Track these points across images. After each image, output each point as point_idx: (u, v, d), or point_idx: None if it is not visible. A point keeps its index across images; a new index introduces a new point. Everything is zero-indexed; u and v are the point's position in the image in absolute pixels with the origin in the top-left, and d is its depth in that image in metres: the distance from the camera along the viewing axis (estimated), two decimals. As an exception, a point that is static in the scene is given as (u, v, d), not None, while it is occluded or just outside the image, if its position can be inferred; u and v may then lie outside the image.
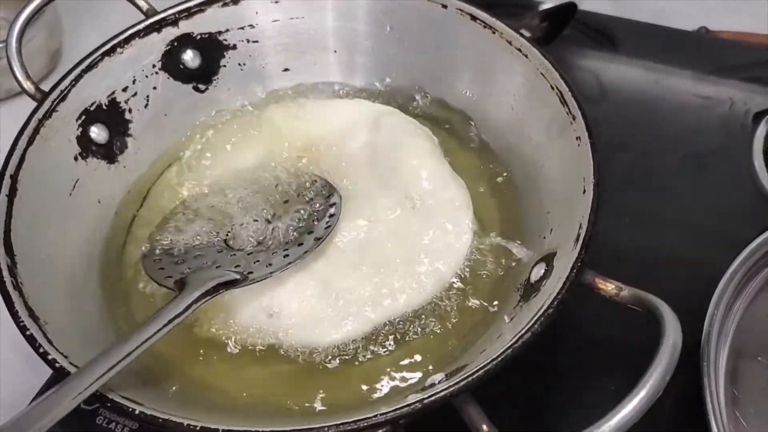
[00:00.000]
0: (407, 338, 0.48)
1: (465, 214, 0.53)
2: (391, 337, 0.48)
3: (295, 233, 0.51)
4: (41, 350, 0.39)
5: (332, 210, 0.52)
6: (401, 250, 0.51)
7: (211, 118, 0.62)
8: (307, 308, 0.49)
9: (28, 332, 0.40)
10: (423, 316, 0.49)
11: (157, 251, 0.50)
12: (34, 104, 0.52)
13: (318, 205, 0.53)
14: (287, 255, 0.48)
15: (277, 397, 0.46)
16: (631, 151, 0.74)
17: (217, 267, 0.47)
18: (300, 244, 0.49)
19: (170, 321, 0.41)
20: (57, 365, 0.38)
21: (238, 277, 0.45)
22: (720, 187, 0.72)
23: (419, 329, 0.49)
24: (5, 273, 0.42)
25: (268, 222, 0.52)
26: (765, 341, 0.53)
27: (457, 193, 0.54)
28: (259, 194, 0.54)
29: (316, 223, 0.51)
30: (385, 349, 0.48)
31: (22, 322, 0.40)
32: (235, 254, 0.49)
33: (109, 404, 0.37)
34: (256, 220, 0.52)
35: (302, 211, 0.53)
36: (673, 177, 0.73)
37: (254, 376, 0.47)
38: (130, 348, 0.38)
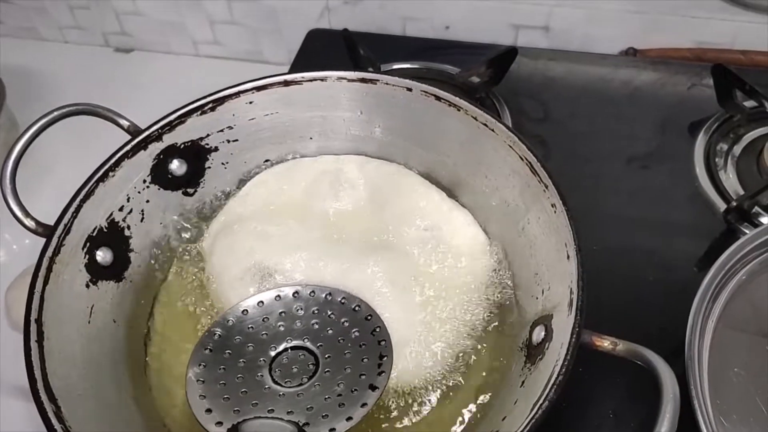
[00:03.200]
0: (424, 408, 0.53)
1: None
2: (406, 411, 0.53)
3: (346, 376, 0.49)
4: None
5: (382, 347, 0.50)
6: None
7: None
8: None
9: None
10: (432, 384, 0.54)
11: (200, 386, 0.49)
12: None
13: (358, 329, 0.51)
14: (350, 418, 0.46)
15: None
16: (578, 159, 0.82)
17: (269, 411, 0.47)
18: (363, 404, 0.47)
19: None
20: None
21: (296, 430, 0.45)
22: (664, 184, 0.79)
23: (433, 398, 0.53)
24: (54, 421, 0.44)
25: (312, 353, 0.51)
26: (737, 354, 0.59)
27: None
28: (289, 318, 0.53)
29: (365, 360, 0.50)
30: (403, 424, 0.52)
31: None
32: (283, 394, 0.48)
33: None
34: (298, 348, 0.51)
35: (344, 340, 0.51)
36: (618, 179, 0.80)
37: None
38: None
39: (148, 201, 0.61)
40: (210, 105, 0.62)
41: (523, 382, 0.49)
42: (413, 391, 0.54)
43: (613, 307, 0.58)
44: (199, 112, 0.62)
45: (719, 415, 0.57)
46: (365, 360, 0.50)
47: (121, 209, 0.59)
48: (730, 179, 0.79)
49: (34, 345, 0.48)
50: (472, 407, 0.53)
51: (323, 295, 0.54)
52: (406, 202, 0.64)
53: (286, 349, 0.51)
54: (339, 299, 0.54)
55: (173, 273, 0.63)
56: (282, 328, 0.53)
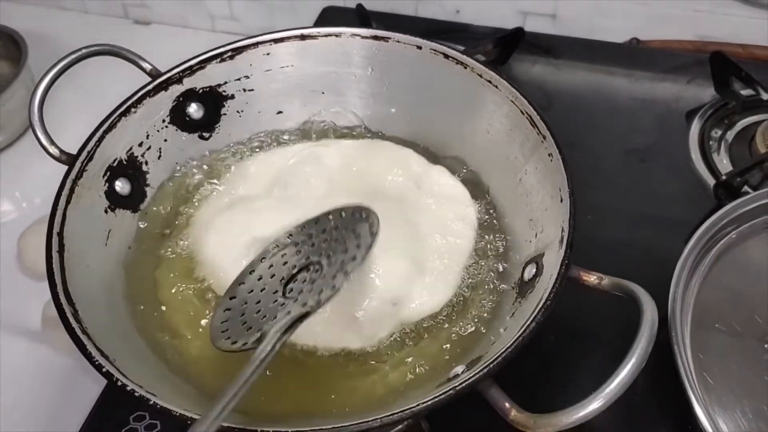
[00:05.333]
0: (423, 338, 0.56)
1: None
2: (407, 339, 0.56)
3: (342, 256, 0.51)
4: (119, 383, 0.44)
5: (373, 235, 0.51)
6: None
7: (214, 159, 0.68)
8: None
9: (104, 369, 0.45)
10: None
11: (222, 326, 0.51)
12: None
13: (356, 227, 0.52)
14: (334, 286, 0.48)
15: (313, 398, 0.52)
16: (577, 150, 0.83)
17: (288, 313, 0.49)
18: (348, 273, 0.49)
19: (262, 361, 0.44)
20: (137, 394, 0.44)
21: (308, 310, 0.48)
22: (660, 177, 0.82)
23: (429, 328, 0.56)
24: (72, 321, 0.47)
25: (321, 265, 0.52)
26: (720, 311, 0.62)
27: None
28: (302, 246, 0.55)
29: (359, 247, 0.51)
30: (404, 349, 0.55)
31: (97, 361, 0.45)
32: (296, 299, 0.50)
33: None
34: (307, 267, 0.53)
35: (346, 240, 0.52)
36: (617, 171, 0.82)
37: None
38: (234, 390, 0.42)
39: (165, 140, 0.64)
40: (229, 53, 0.65)
41: (513, 314, 0.52)
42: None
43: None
44: (218, 60, 0.65)
45: (700, 368, 0.60)
46: (359, 247, 0.51)
47: (140, 144, 0.62)
48: (723, 163, 0.82)
49: (55, 255, 0.51)
50: (463, 334, 0.55)
51: (330, 215, 0.55)
52: (386, 163, 0.66)
53: (298, 271, 0.53)
54: (343, 213, 0.54)
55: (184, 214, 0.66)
56: (297, 254, 0.54)
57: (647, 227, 0.75)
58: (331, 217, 0.54)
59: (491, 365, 0.44)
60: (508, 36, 0.89)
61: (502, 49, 0.89)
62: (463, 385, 0.44)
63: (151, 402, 0.43)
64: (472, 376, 0.44)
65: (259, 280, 0.53)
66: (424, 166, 0.66)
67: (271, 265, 0.54)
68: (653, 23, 0.97)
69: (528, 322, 0.46)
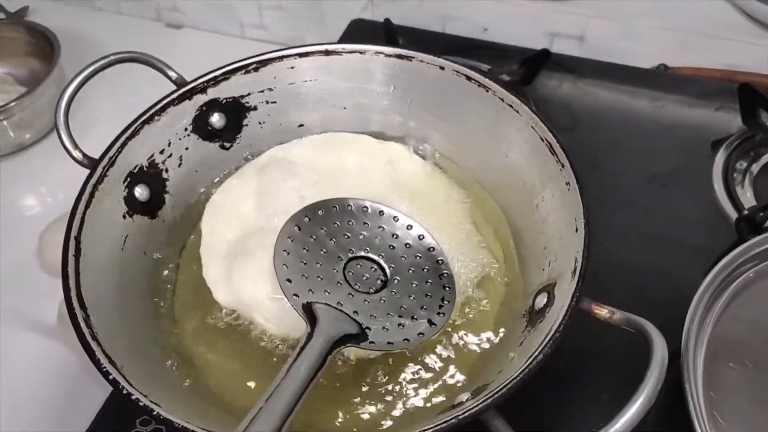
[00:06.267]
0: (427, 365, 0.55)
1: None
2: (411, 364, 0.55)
3: (409, 302, 0.52)
4: (125, 392, 0.45)
5: (446, 292, 0.53)
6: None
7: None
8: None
9: (111, 377, 0.45)
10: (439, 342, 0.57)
11: (285, 256, 0.51)
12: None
13: (427, 266, 0.54)
14: (407, 340, 0.50)
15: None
16: (600, 172, 0.83)
17: (338, 304, 0.50)
18: (420, 333, 0.50)
19: (315, 374, 0.43)
20: (141, 404, 0.44)
21: (358, 332, 0.48)
22: (682, 204, 0.81)
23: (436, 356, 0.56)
24: (83, 326, 0.48)
25: (382, 270, 0.54)
26: (735, 348, 0.61)
27: None
28: (371, 231, 0.55)
29: (428, 296, 0.52)
30: (407, 374, 0.55)
31: (104, 368, 0.46)
32: (353, 295, 0.51)
33: None
34: (372, 260, 0.54)
35: (414, 272, 0.54)
36: (638, 195, 0.81)
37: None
38: (286, 407, 0.41)
39: (187, 148, 0.65)
40: (254, 65, 0.66)
41: (521, 342, 0.52)
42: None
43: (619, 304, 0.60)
44: (243, 71, 0.66)
45: (711, 407, 0.59)
46: (428, 296, 0.53)
47: (161, 152, 0.63)
48: (746, 196, 0.81)
49: (71, 259, 0.52)
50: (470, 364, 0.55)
51: (406, 224, 0.56)
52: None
53: (362, 257, 0.54)
54: (417, 234, 0.56)
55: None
56: (362, 237, 0.55)
57: (665, 254, 0.74)
58: (401, 222, 0.56)
59: (496, 395, 0.44)
60: (534, 57, 0.89)
61: (528, 69, 0.89)
62: (466, 414, 0.43)
63: (155, 412, 0.44)
64: (476, 406, 0.44)
65: (313, 239, 0.53)
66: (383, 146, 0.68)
67: (337, 224, 0.54)
68: (682, 50, 0.96)
69: (535, 354, 0.46)
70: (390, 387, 0.54)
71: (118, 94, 0.94)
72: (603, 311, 0.49)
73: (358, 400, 0.53)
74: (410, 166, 0.67)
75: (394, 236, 0.55)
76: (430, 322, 0.51)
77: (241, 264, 0.57)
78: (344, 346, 0.47)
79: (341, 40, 1.01)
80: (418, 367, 0.55)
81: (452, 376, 0.54)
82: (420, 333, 0.51)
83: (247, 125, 0.69)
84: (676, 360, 0.57)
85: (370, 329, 0.49)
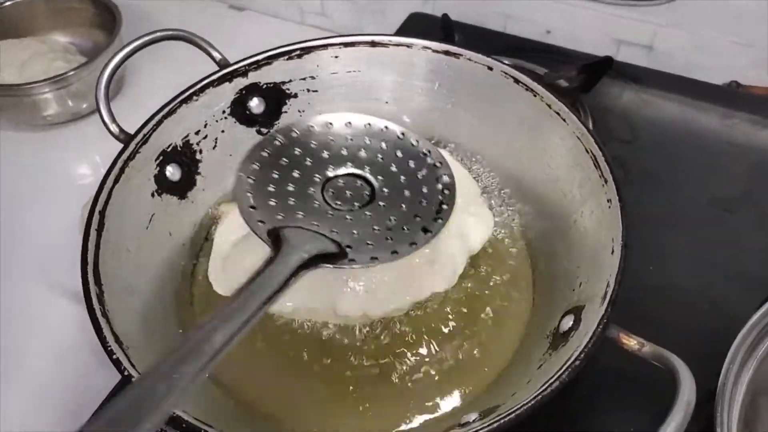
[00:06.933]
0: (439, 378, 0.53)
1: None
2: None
3: (400, 213, 0.48)
4: (126, 373, 0.44)
5: (444, 196, 0.49)
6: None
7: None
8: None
9: (114, 356, 0.45)
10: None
11: (250, 182, 0.48)
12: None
13: (423, 173, 0.50)
14: (396, 252, 0.45)
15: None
16: (657, 190, 0.79)
17: (314, 224, 0.46)
18: (413, 243, 0.46)
19: (269, 297, 0.38)
20: (140, 387, 0.44)
21: (336, 251, 0.43)
22: (744, 231, 0.75)
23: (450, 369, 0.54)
24: (95, 301, 0.48)
25: (369, 184, 0.50)
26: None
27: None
28: (355, 145, 0.52)
29: (423, 203, 0.48)
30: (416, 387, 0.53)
31: (110, 346, 0.45)
32: (332, 214, 0.47)
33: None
34: (357, 176, 0.50)
35: (406, 180, 0.50)
36: (697, 218, 0.76)
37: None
38: (235, 326, 0.35)
39: (223, 131, 0.64)
40: (298, 52, 0.65)
41: (540, 365, 0.49)
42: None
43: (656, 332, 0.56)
44: (286, 57, 0.65)
45: (746, 454, 0.54)
46: (423, 203, 0.49)
47: (197, 133, 0.63)
48: (816, 233, 0.75)
49: (93, 233, 0.52)
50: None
51: (397, 133, 0.52)
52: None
53: (344, 174, 0.50)
54: (411, 140, 0.52)
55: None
56: (345, 152, 0.51)
57: (718, 283, 0.69)
58: (400, 134, 0.52)
59: (503, 420, 0.41)
60: (595, 64, 0.85)
61: (588, 76, 0.85)
62: (472, 437, 0.41)
63: (153, 397, 0.43)
64: (482, 428, 0.41)
65: (285, 161, 0.49)
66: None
67: (314, 143, 0.50)
68: (756, 68, 0.90)
69: (551, 380, 0.43)
70: (396, 399, 0.52)
71: (177, 72, 0.94)
72: (632, 342, 0.46)
73: (361, 409, 0.52)
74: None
75: (384, 147, 0.51)
76: (425, 230, 0.47)
77: (241, 257, 0.56)
78: (316, 266, 0.42)
79: (398, 33, 0.99)
80: (428, 378, 0.53)
81: (464, 393, 0.52)
82: (412, 243, 0.46)
83: (286, 112, 0.67)
84: (711, 400, 0.53)
85: (351, 247, 0.45)
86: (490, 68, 0.62)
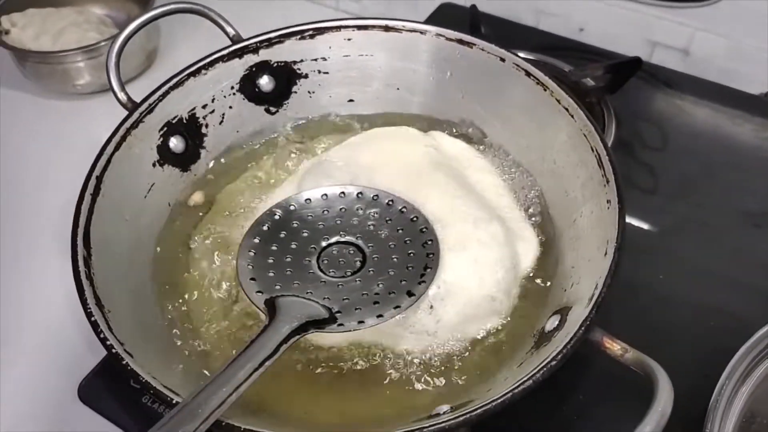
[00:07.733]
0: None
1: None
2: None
3: (387, 278, 0.51)
4: (101, 335, 0.45)
5: (429, 260, 0.52)
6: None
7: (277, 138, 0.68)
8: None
9: (92, 318, 0.45)
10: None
11: (251, 256, 0.52)
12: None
13: (409, 239, 0.53)
14: (381, 316, 0.48)
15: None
16: (686, 200, 0.76)
17: (308, 293, 0.49)
18: (397, 306, 0.49)
19: (262, 363, 0.41)
20: (113, 351, 0.44)
21: (326, 315, 0.47)
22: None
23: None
24: (80, 263, 0.48)
25: (361, 251, 0.53)
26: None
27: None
28: (348, 215, 0.55)
29: (410, 267, 0.51)
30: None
31: (89, 308, 0.46)
32: (324, 282, 0.51)
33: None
34: (350, 246, 0.53)
35: (395, 246, 0.53)
36: (725, 231, 0.73)
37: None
38: (228, 392, 0.39)
39: (231, 107, 0.65)
40: (310, 32, 0.64)
41: (521, 363, 0.48)
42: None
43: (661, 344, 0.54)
44: (298, 36, 0.64)
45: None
46: (410, 268, 0.51)
47: (204, 107, 0.63)
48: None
49: (87, 197, 0.52)
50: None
51: (386, 201, 0.56)
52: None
53: (337, 243, 0.54)
54: (399, 207, 0.55)
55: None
56: (339, 222, 0.55)
57: (737, 298, 0.66)
58: (381, 200, 0.55)
59: (472, 414, 0.40)
60: (623, 64, 0.82)
61: (615, 76, 0.82)
62: (434, 428, 0.40)
63: (124, 362, 0.43)
64: (449, 420, 0.40)
65: (284, 234, 0.53)
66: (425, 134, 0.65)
67: (311, 215, 0.55)
68: (797, 79, 0.86)
69: (525, 379, 0.42)
70: (371, 386, 0.51)
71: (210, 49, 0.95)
72: (615, 347, 0.44)
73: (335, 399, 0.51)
74: (453, 147, 0.65)
75: (374, 215, 0.55)
76: (410, 293, 0.50)
77: None
78: (306, 333, 0.45)
79: (426, 22, 0.97)
80: (409, 368, 0.52)
81: (441, 385, 0.51)
82: (396, 306, 0.49)
83: (296, 92, 0.67)
84: (701, 419, 0.51)
85: (341, 312, 0.48)
86: (503, 59, 0.61)
